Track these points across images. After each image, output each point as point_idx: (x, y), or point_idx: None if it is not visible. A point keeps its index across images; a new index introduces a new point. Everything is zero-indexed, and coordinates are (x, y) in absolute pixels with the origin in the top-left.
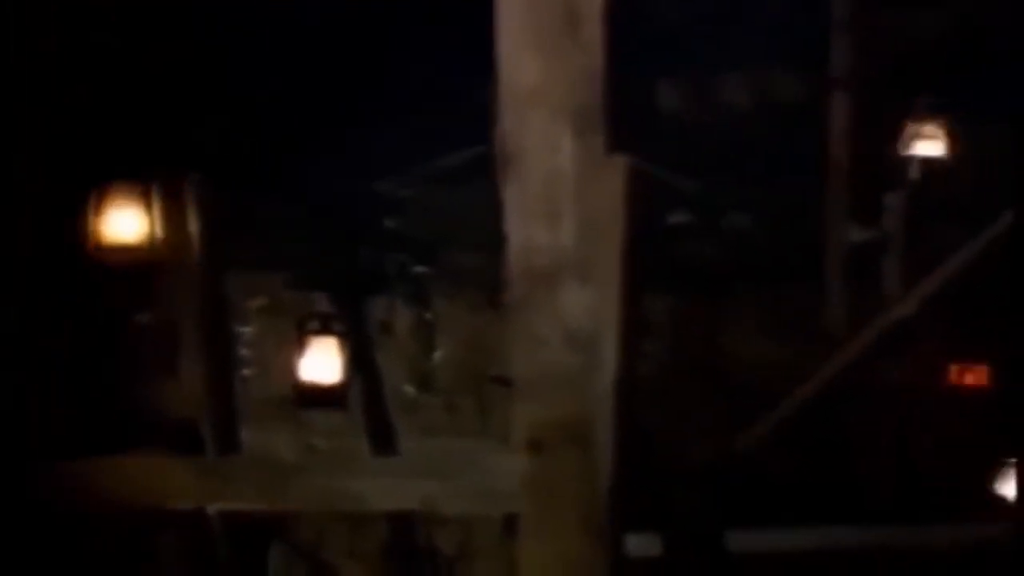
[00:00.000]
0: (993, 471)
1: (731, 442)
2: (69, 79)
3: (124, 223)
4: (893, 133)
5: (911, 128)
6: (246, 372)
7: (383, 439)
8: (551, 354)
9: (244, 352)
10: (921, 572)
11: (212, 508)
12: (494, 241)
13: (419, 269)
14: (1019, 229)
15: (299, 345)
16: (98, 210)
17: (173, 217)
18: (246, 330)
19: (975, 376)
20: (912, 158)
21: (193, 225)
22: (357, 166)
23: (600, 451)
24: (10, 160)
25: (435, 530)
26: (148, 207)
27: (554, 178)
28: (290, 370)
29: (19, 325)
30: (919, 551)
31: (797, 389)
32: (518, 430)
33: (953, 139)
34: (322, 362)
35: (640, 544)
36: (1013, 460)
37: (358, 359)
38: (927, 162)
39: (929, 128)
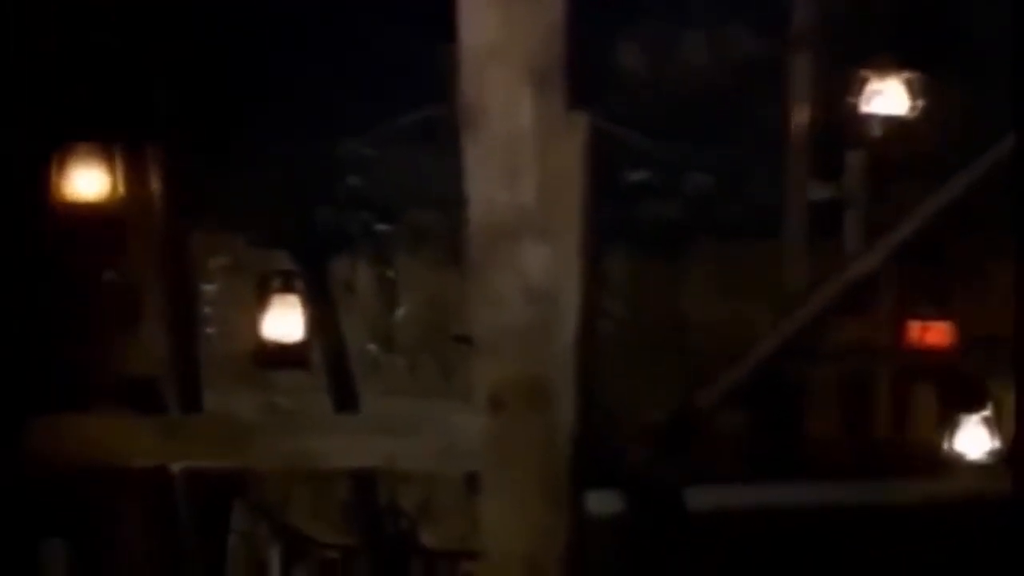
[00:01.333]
0: (952, 429)
1: (690, 400)
2: (30, 40)
3: (87, 182)
4: (854, 91)
5: (872, 85)
6: (208, 331)
7: (345, 397)
8: (511, 312)
9: (206, 311)
10: (881, 528)
11: (174, 467)
12: (454, 200)
13: (380, 227)
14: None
15: (261, 303)
16: (61, 169)
17: (136, 176)
18: (208, 288)
19: (936, 334)
20: (873, 116)
21: (155, 184)
22: (318, 126)
23: (560, 409)
24: None
25: (397, 489)
26: (111, 166)
27: (514, 136)
28: (252, 329)
29: None
30: (879, 507)
31: (756, 347)
32: (478, 388)
33: (914, 96)
34: (284, 320)
35: (600, 501)
36: (971, 418)
37: (320, 317)
38: (888, 120)
39: (890, 85)
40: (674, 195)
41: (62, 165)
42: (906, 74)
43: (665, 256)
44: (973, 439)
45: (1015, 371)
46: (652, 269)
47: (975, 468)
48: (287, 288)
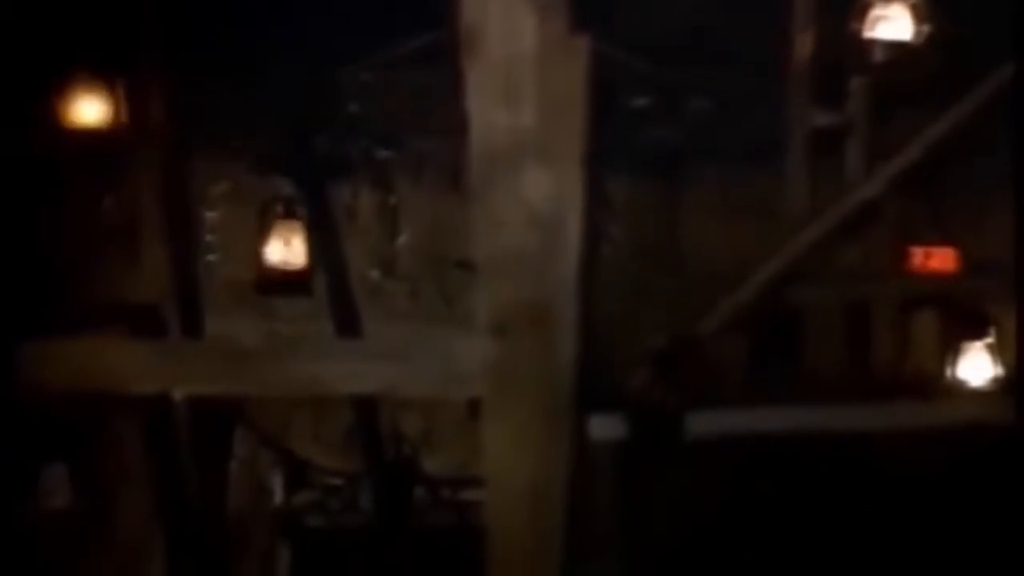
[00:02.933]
0: (954, 356)
1: (690, 325)
2: None
3: (88, 108)
4: (858, 16)
5: (876, 11)
6: (210, 257)
7: (347, 323)
8: (513, 237)
9: (207, 238)
10: (881, 454)
11: (175, 393)
12: (456, 126)
13: (382, 154)
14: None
15: (262, 230)
16: (62, 96)
17: (136, 102)
18: (210, 215)
19: (938, 260)
20: (877, 41)
21: (156, 110)
22: (318, 51)
23: (562, 333)
24: None
25: (399, 415)
26: (112, 93)
27: (515, 60)
28: (254, 255)
29: None
30: (879, 433)
31: (757, 272)
32: (480, 314)
33: (919, 21)
34: (286, 247)
35: (602, 426)
36: (973, 345)
37: (322, 244)
38: (892, 45)
39: (895, 10)
40: (675, 120)
41: (63, 92)
42: None
43: (666, 181)
44: (975, 366)
45: (1016, 297)
46: (653, 194)
47: (977, 395)
48: (289, 214)
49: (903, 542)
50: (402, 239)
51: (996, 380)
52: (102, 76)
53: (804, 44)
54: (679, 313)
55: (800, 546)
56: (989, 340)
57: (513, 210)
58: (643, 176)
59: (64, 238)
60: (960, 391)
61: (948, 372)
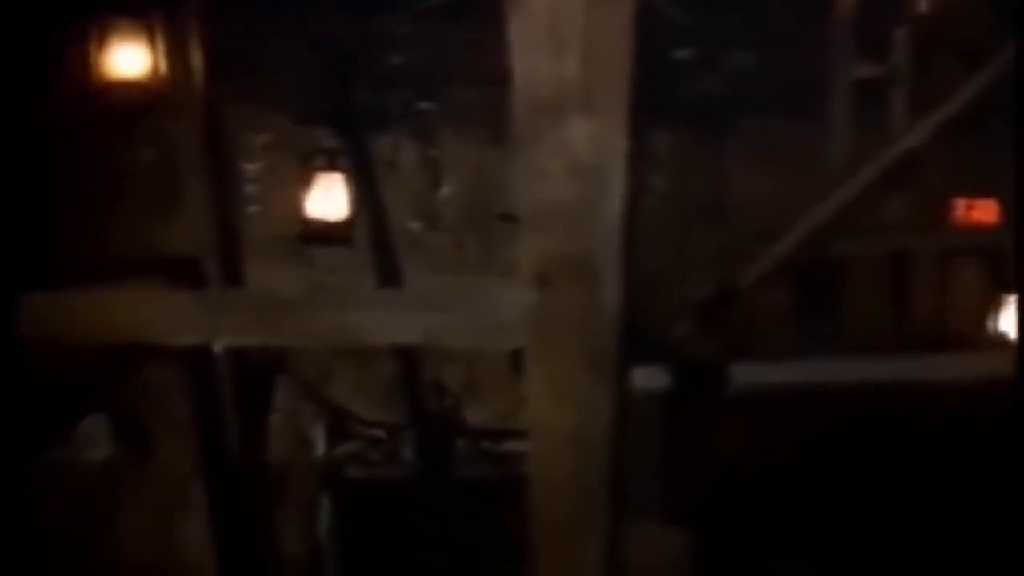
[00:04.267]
0: (996, 308)
1: (733, 276)
2: None
3: (127, 59)
4: None
5: None
6: (250, 209)
7: (388, 275)
8: (556, 187)
9: (249, 189)
10: (921, 405)
11: (216, 344)
12: (500, 75)
13: (424, 105)
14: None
15: (304, 181)
16: (100, 46)
17: (176, 52)
18: (250, 167)
19: (981, 211)
20: None
21: (196, 60)
22: (360, 2)
23: (606, 284)
24: None
25: (441, 366)
26: (151, 42)
27: (559, 9)
28: (295, 206)
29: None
30: (921, 384)
31: (799, 223)
32: (523, 264)
33: None
34: (327, 198)
35: (645, 377)
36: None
37: (363, 195)
38: None
39: None
40: (718, 72)
41: (101, 41)
42: None
43: (709, 133)
44: (1016, 319)
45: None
46: (695, 146)
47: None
48: (330, 166)
49: (942, 493)
50: (444, 191)
51: None
52: (141, 25)
53: None
54: (722, 265)
55: (839, 497)
56: None
57: (556, 161)
58: (686, 128)
59: (102, 190)
60: (1001, 343)
61: (989, 324)
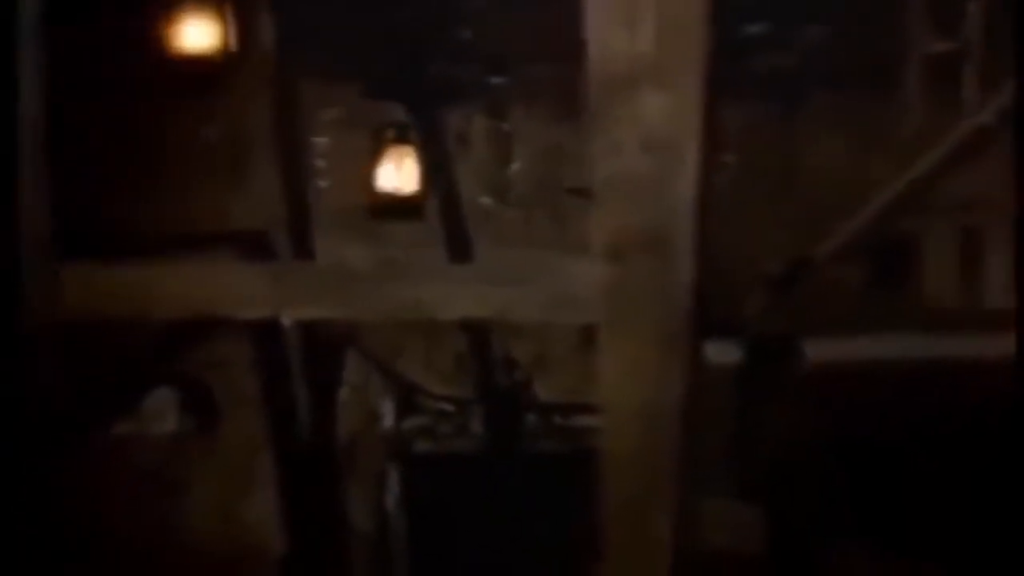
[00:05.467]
0: None
1: (806, 251)
2: None
3: (197, 34)
4: None
5: None
6: (320, 183)
7: (459, 250)
8: (630, 161)
9: (318, 163)
10: (992, 382)
11: (286, 318)
12: (572, 50)
13: (495, 80)
14: None
15: (375, 155)
16: (171, 21)
17: (246, 27)
18: (320, 141)
19: None
20: None
21: (267, 35)
22: None
23: (679, 258)
24: None
25: (511, 341)
26: (221, 17)
27: None
28: (365, 181)
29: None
30: (991, 361)
31: (872, 199)
32: (596, 238)
33: None
34: (398, 172)
35: (718, 352)
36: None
37: (434, 170)
38: None
39: None
40: (790, 46)
41: (171, 16)
42: None
43: (781, 108)
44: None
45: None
46: (767, 120)
47: None
48: (401, 140)
49: (1014, 472)
50: (515, 165)
51: None
52: (211, 1)
53: None
54: (794, 239)
55: (910, 474)
56: None
57: (630, 134)
58: (758, 102)
59: (173, 165)
60: None
61: None
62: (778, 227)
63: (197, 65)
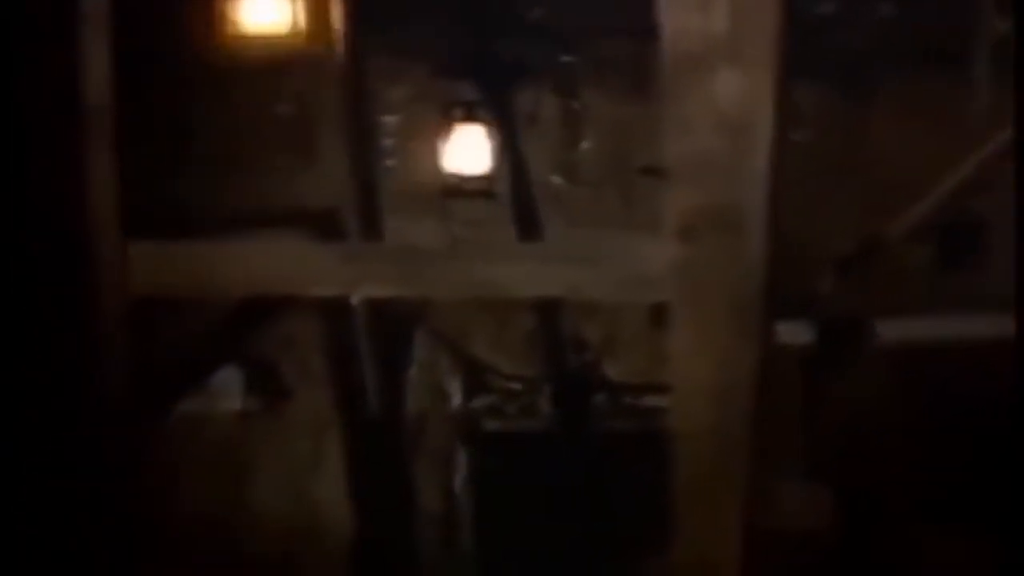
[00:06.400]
0: None
1: (877, 232)
2: None
3: (267, 13)
4: None
5: None
6: (389, 162)
7: (529, 229)
8: (703, 140)
9: (387, 142)
10: None
11: (355, 296)
12: (643, 29)
13: (565, 59)
14: None
15: (444, 134)
16: (241, 1)
17: (316, 6)
18: (389, 119)
19: None
20: None
21: (336, 14)
22: None
23: (751, 238)
24: None
25: (581, 320)
26: None
27: None
28: (435, 160)
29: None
30: None
31: (942, 179)
32: (668, 217)
33: None
34: (468, 151)
35: (789, 331)
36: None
37: (504, 149)
38: None
39: None
40: (861, 26)
41: None
42: None
43: (852, 87)
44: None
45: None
46: (838, 100)
47: None
48: (471, 118)
49: None
50: (585, 144)
51: None
52: None
53: None
54: (865, 220)
55: (981, 451)
56: None
57: (704, 114)
58: (828, 82)
59: (242, 143)
60: None
61: None
62: (849, 208)
63: (267, 43)
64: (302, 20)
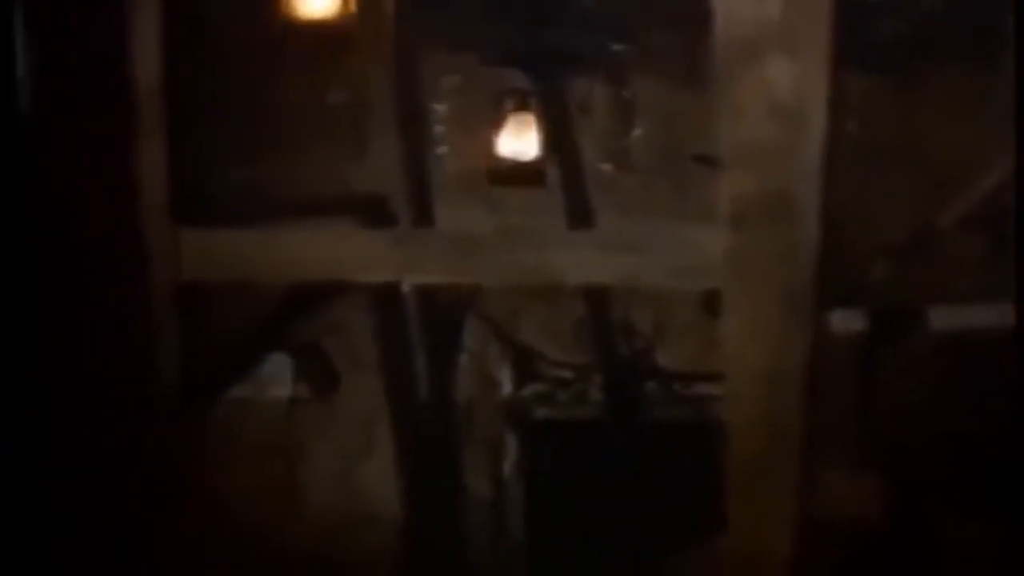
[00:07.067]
0: None
1: (929, 220)
2: None
3: None
4: None
5: None
6: (440, 149)
7: (580, 217)
8: (757, 127)
9: (438, 129)
10: None
11: (405, 282)
12: (694, 16)
13: (616, 47)
14: None
15: (495, 122)
16: None
17: None
18: (439, 107)
19: None
20: None
21: (387, 0)
22: None
23: (804, 226)
24: None
25: (631, 308)
26: None
27: None
28: (486, 147)
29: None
30: None
31: (992, 167)
32: (721, 204)
33: None
34: (519, 139)
35: (842, 320)
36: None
37: (555, 137)
38: None
39: None
40: (910, 15)
41: None
42: None
43: (901, 76)
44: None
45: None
46: (889, 89)
47: None
48: (522, 106)
49: None
50: (636, 132)
51: None
52: None
53: None
54: (917, 208)
55: None
56: None
57: (757, 101)
58: (879, 71)
59: (292, 129)
60: None
61: None
62: (900, 196)
63: (318, 29)
64: (353, 6)
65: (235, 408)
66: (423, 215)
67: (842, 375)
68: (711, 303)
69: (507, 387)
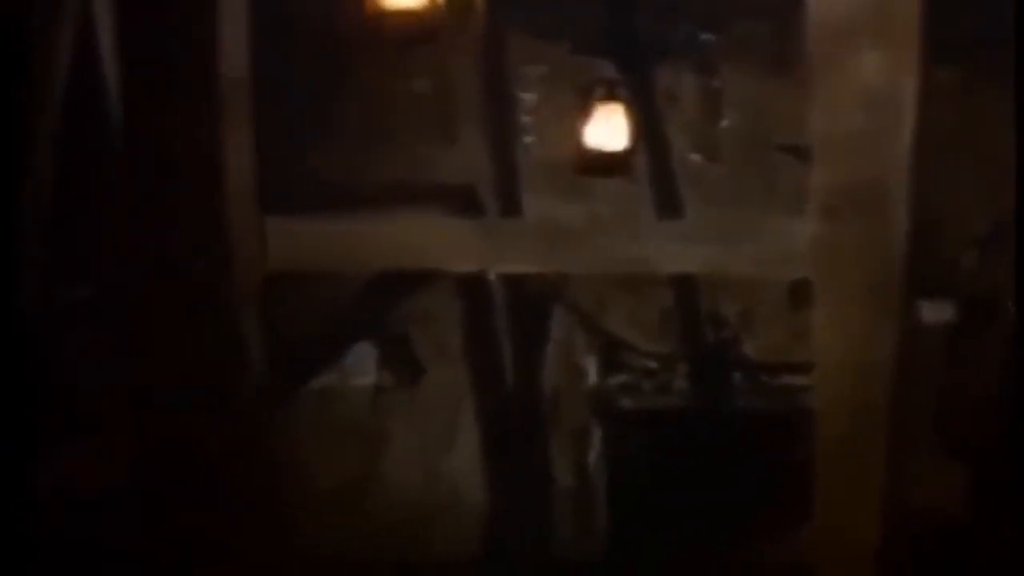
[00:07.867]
0: None
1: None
2: None
3: None
4: None
5: None
6: (527, 139)
7: (668, 207)
8: (847, 118)
9: (525, 119)
10: None
11: (492, 273)
12: (783, 6)
13: (705, 37)
14: None
15: (584, 111)
16: None
17: None
18: (527, 97)
19: None
20: None
21: None
22: None
23: (894, 216)
24: None
25: (718, 298)
26: None
27: None
28: (574, 137)
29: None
30: None
31: None
32: (811, 195)
33: None
34: (606, 128)
35: (931, 310)
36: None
37: (643, 127)
38: None
39: None
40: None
41: None
42: None
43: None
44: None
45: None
46: (976, 81)
47: None
48: (610, 96)
49: None
50: (724, 123)
51: None
52: None
53: None
54: (1003, 198)
55: None
56: None
57: (848, 91)
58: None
59: (380, 119)
60: None
61: None
62: (987, 185)
63: (406, 19)
64: None
65: (321, 396)
66: (510, 204)
67: (930, 364)
68: (799, 293)
69: (593, 377)
